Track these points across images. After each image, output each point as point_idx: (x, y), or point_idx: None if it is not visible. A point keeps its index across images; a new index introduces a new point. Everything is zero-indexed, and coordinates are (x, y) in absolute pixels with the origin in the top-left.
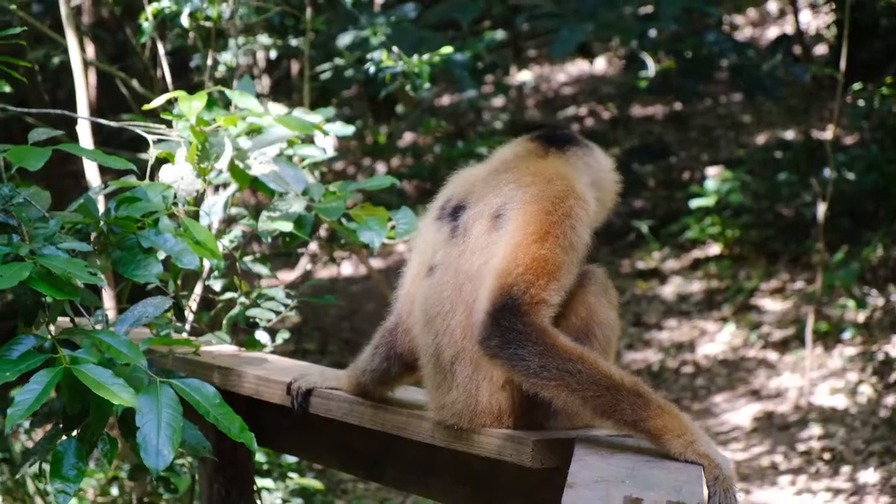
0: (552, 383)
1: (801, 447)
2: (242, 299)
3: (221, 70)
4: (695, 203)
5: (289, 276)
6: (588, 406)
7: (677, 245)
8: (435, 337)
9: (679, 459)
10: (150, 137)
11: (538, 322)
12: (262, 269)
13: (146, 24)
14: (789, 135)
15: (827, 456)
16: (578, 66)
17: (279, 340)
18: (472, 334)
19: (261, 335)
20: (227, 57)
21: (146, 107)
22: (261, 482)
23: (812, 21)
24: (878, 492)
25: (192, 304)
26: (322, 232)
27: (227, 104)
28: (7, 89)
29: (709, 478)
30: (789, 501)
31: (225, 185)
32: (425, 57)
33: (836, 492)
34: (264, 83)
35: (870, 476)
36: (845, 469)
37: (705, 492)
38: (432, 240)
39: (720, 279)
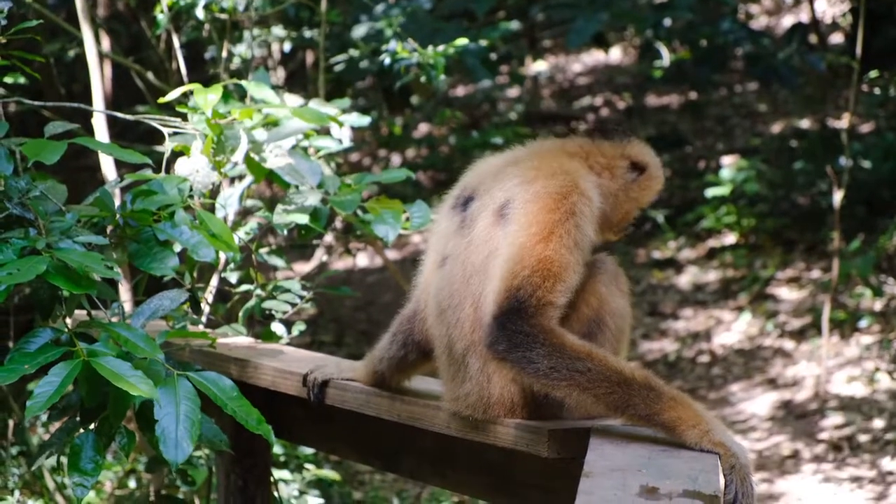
0: (563, 383)
1: (820, 436)
2: (258, 291)
3: (236, 62)
4: (710, 192)
5: (305, 267)
6: (601, 403)
7: (693, 234)
8: (447, 329)
9: (695, 449)
10: (165, 130)
11: (545, 323)
12: (277, 262)
13: (161, 16)
14: (805, 123)
15: (846, 444)
16: (594, 56)
17: (295, 332)
18: (480, 335)
19: (277, 327)
20: (241, 49)
21: (162, 100)
22: (278, 474)
23: (827, 9)
24: None
25: (209, 296)
26: (338, 223)
27: (242, 96)
28: (22, 81)
29: (725, 467)
30: (812, 491)
31: (240, 178)
32: (440, 48)
33: (855, 479)
34: (279, 75)
35: (890, 465)
36: (866, 458)
37: (722, 480)
38: (446, 229)
39: (736, 268)
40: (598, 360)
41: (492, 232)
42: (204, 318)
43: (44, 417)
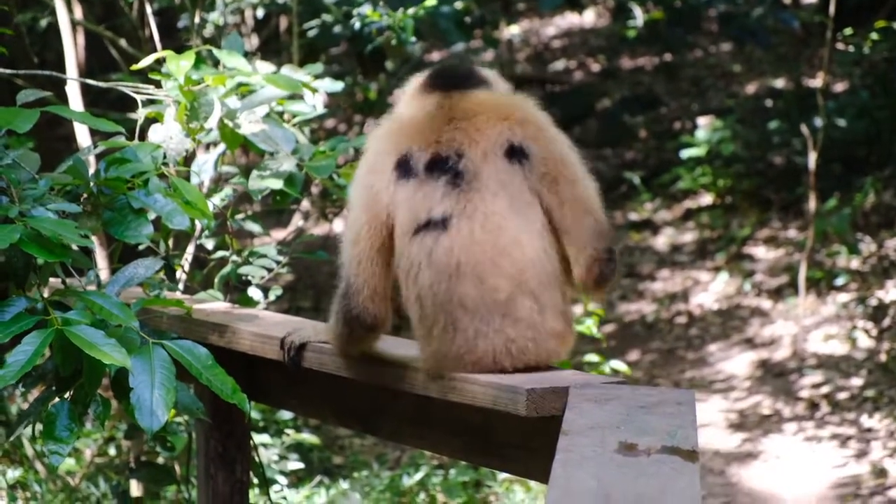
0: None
1: (799, 394)
2: (234, 257)
3: (209, 30)
4: (686, 153)
5: (281, 233)
6: None
7: (669, 195)
8: (480, 283)
9: None
10: (138, 97)
11: None
12: (254, 227)
13: None
14: (779, 83)
15: (824, 402)
16: (567, 19)
17: (272, 297)
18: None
19: (254, 292)
20: (214, 16)
21: (134, 67)
22: (257, 438)
23: None
24: (885, 438)
25: (184, 263)
26: (314, 189)
27: (216, 63)
28: None
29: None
30: (793, 449)
31: (215, 144)
32: (410, 10)
33: (836, 437)
34: (253, 42)
35: (869, 422)
36: (846, 415)
37: (698, 436)
38: (412, 197)
39: (712, 229)
40: None
41: (511, 174)
42: (181, 286)
43: (21, 387)
